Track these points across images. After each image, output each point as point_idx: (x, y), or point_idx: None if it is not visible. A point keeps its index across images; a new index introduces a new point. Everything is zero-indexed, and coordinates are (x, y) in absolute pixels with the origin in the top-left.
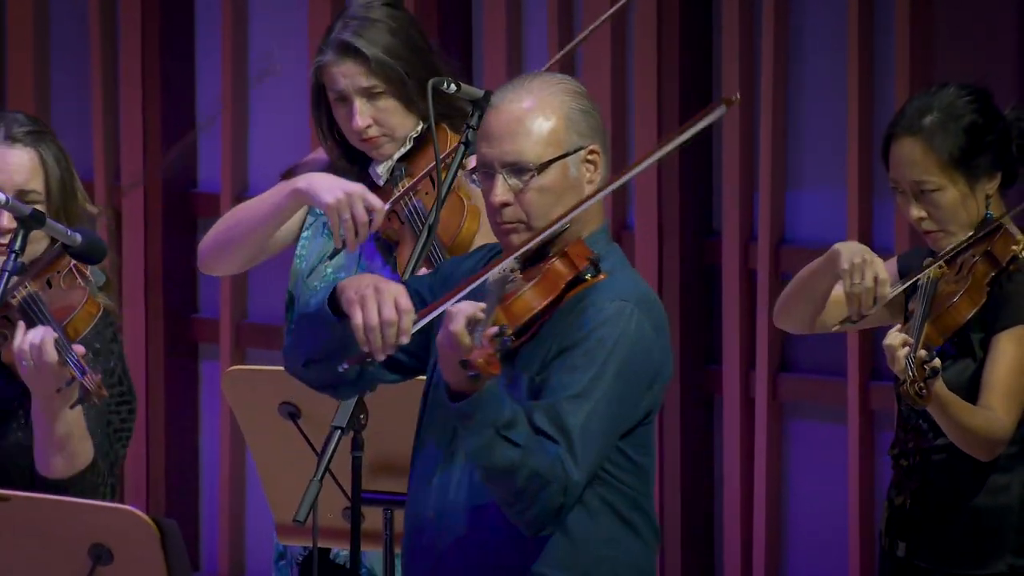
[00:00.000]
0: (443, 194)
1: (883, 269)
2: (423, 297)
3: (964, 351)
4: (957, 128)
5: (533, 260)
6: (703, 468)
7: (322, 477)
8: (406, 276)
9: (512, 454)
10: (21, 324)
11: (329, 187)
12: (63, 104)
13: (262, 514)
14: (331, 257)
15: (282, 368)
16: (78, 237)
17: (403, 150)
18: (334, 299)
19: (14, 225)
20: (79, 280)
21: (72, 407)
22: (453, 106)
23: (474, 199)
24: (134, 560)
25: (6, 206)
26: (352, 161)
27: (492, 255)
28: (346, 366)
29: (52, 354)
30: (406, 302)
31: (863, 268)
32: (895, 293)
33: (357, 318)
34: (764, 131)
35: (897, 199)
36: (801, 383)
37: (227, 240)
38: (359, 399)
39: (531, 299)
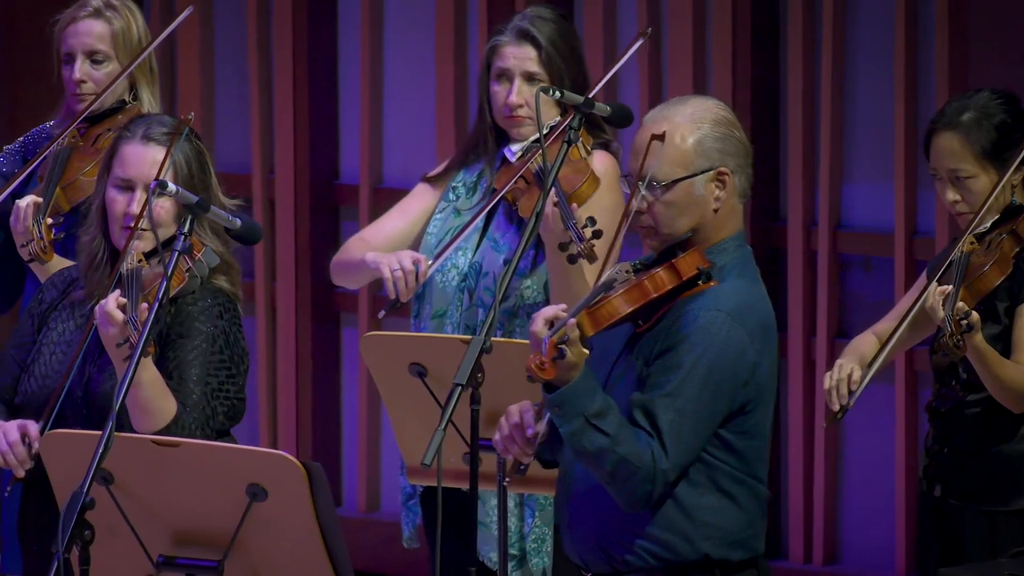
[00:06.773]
0: (548, 185)
1: (858, 371)
2: None
3: (990, 317)
4: (990, 125)
5: (658, 261)
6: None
7: (445, 426)
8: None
9: (601, 441)
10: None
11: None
12: (225, 109)
13: (394, 458)
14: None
15: (412, 333)
16: (238, 222)
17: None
18: None
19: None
20: (186, 262)
21: (125, 360)
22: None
23: (599, 172)
24: (285, 497)
25: (175, 195)
26: (496, 139)
27: None
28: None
29: (118, 316)
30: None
31: (841, 367)
32: (868, 378)
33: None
34: (824, 130)
35: (936, 184)
36: None
37: (343, 271)
38: (477, 360)
39: (617, 305)
